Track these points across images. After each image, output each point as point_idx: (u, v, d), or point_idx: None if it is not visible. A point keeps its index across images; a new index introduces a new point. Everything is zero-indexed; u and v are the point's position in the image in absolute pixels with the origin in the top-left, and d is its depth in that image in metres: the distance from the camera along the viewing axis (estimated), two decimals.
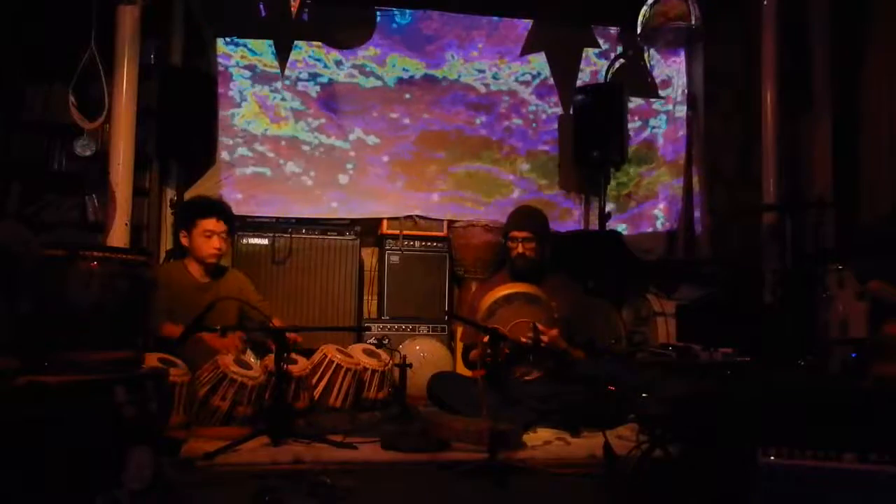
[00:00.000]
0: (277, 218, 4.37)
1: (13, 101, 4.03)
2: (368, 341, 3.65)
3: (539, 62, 5.00)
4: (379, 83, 4.78)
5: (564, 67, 5.01)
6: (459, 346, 3.56)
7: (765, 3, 4.11)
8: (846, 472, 1.46)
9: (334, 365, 3.07)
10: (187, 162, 4.36)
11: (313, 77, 4.71)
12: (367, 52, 4.79)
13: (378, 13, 4.82)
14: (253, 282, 3.56)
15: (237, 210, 4.11)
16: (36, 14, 3.92)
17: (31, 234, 2.27)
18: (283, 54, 4.67)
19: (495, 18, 4.96)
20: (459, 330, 3.62)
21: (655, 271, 4.46)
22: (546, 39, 5.00)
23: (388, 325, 4.18)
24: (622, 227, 4.89)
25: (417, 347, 3.91)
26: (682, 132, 4.91)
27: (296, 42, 4.69)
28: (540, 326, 2.98)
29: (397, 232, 4.40)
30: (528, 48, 4.98)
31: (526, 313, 3.03)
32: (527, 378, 3.13)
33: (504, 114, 4.93)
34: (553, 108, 4.99)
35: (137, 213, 3.85)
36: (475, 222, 4.43)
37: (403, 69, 4.82)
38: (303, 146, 4.65)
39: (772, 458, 1.50)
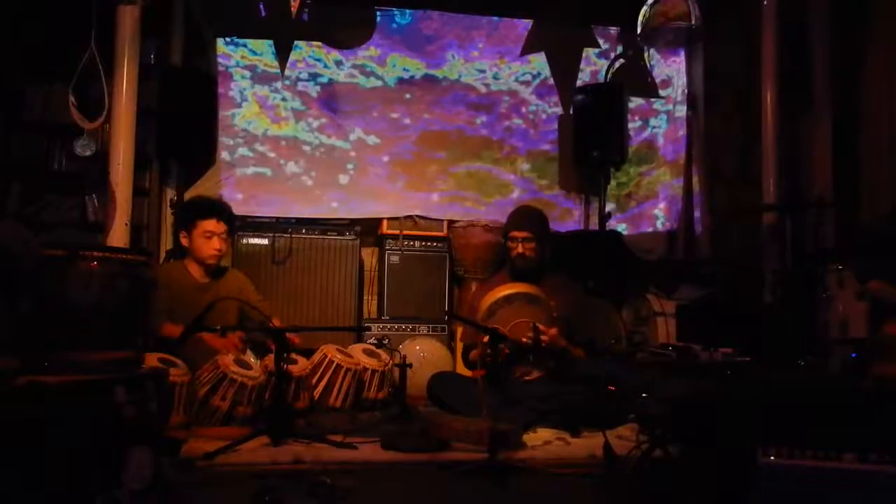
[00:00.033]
0: (277, 218, 4.37)
1: (13, 101, 4.03)
2: (368, 341, 3.65)
3: (539, 62, 5.00)
4: (379, 83, 4.78)
5: (564, 67, 5.01)
6: (459, 346, 3.56)
7: (765, 3, 4.11)
8: (846, 472, 1.46)
9: (334, 365, 3.07)
10: (187, 162, 4.36)
11: (313, 77, 4.71)
12: (367, 52, 4.79)
13: (378, 13, 4.82)
14: (253, 282, 3.56)
15: (238, 210, 4.10)
16: (36, 14, 3.92)
17: (31, 234, 2.27)
18: (283, 54, 4.67)
19: (495, 18, 4.96)
20: (459, 330, 3.62)
21: (655, 271, 4.46)
22: (546, 39, 5.00)
23: (388, 325, 4.18)
24: (622, 227, 4.89)
25: (417, 347, 3.91)
26: (683, 132, 4.91)
27: (296, 42, 4.69)
28: (540, 326, 2.98)
29: (397, 232, 4.41)
30: (528, 48, 4.98)
31: (526, 313, 3.03)
32: (527, 378, 3.13)
33: (504, 114, 4.93)
34: (553, 108, 4.99)
35: (137, 213, 3.85)
36: (475, 222, 4.43)
37: (404, 69, 4.82)
38: (303, 146, 4.65)
39: (772, 458, 1.50)
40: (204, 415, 2.66)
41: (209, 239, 3.27)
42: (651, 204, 4.97)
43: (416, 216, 4.55)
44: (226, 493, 2.02)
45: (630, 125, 4.83)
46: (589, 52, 5.05)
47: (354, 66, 4.76)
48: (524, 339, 2.98)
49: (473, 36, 4.93)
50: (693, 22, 3.56)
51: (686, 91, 4.94)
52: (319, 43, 4.73)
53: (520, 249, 3.24)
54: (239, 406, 2.68)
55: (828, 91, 3.99)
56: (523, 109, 4.96)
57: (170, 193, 4.32)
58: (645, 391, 2.26)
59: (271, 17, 4.64)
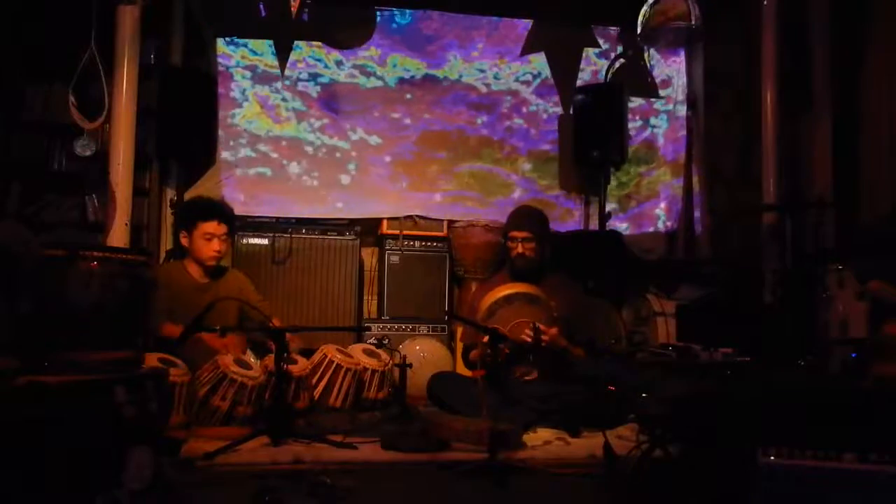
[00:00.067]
0: (277, 218, 4.37)
1: (13, 101, 4.02)
2: (368, 341, 3.65)
3: (540, 62, 4.99)
4: (380, 83, 4.78)
5: (564, 67, 5.01)
6: (459, 346, 3.56)
7: (765, 3, 4.11)
8: (846, 472, 1.46)
9: (334, 365, 3.07)
10: (187, 162, 4.36)
11: (314, 77, 4.71)
12: (367, 53, 4.78)
13: (378, 13, 4.82)
14: (253, 282, 3.56)
15: (240, 210, 4.12)
16: (36, 14, 3.92)
17: (31, 234, 2.27)
18: (283, 54, 4.67)
19: (495, 18, 4.96)
20: (459, 330, 3.62)
21: (655, 271, 4.46)
22: (546, 39, 4.99)
23: (388, 325, 4.18)
24: (624, 227, 4.90)
25: (417, 347, 3.91)
26: (683, 132, 4.91)
27: (296, 42, 4.69)
28: (540, 325, 2.98)
29: (397, 232, 4.40)
30: (528, 48, 4.98)
31: (526, 313, 3.03)
32: (527, 378, 3.13)
33: (505, 114, 4.92)
34: (554, 107, 4.99)
35: (137, 213, 3.85)
36: (475, 222, 4.42)
37: (404, 69, 4.82)
38: (305, 146, 4.65)
39: (772, 458, 1.50)
40: (204, 415, 2.66)
41: (209, 241, 3.26)
42: (652, 203, 4.97)
43: (416, 216, 4.55)
44: (226, 493, 2.02)
45: (630, 125, 4.83)
46: (589, 52, 5.05)
47: (355, 67, 4.76)
48: (524, 339, 2.98)
49: (473, 36, 4.92)
50: (693, 22, 3.56)
51: (686, 91, 4.94)
52: (319, 43, 4.73)
53: (520, 249, 3.24)
54: (239, 406, 2.68)
55: (828, 91, 3.99)
56: (524, 109, 4.96)
57: (170, 193, 4.32)
58: (645, 391, 2.26)
59: (271, 17, 4.64)
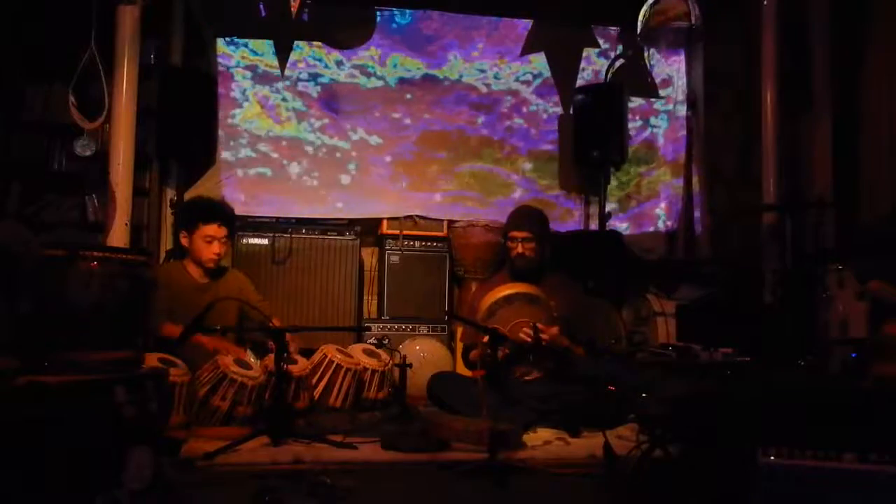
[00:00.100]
0: (277, 218, 4.37)
1: (13, 101, 4.02)
2: (368, 341, 3.65)
3: (540, 62, 4.99)
4: (380, 83, 4.78)
5: (564, 67, 5.01)
6: (459, 346, 3.56)
7: (765, 3, 4.11)
8: (846, 472, 1.46)
9: (334, 365, 3.07)
10: (187, 162, 4.36)
11: (314, 77, 4.71)
12: (367, 53, 4.78)
13: (378, 13, 4.82)
14: (253, 282, 3.56)
15: (240, 211, 4.12)
16: (36, 14, 3.92)
17: (31, 234, 2.27)
18: (283, 55, 4.67)
19: (495, 18, 4.95)
20: (459, 330, 3.62)
21: (655, 271, 4.46)
22: (546, 39, 4.99)
23: (388, 325, 4.18)
24: (625, 227, 4.90)
25: (417, 347, 3.91)
26: (683, 132, 4.91)
27: (296, 42, 4.69)
28: (540, 325, 2.98)
29: (397, 232, 4.40)
30: (528, 48, 4.98)
31: (526, 313, 3.03)
32: (527, 378, 3.13)
33: (505, 113, 4.92)
34: (554, 107, 4.99)
35: (137, 213, 3.85)
36: (475, 222, 4.42)
37: (405, 69, 4.82)
38: (306, 147, 4.65)
39: (772, 458, 1.50)
40: (204, 415, 2.66)
41: (209, 243, 3.26)
42: (653, 203, 4.97)
43: (416, 216, 4.55)
44: (226, 493, 2.02)
45: (630, 125, 4.84)
46: (589, 52, 5.05)
47: (355, 67, 4.76)
48: (524, 337, 2.98)
49: (473, 36, 4.92)
50: (693, 22, 3.56)
51: (686, 91, 4.94)
52: (320, 43, 4.73)
53: (520, 249, 3.24)
54: (239, 406, 2.68)
55: (828, 91, 3.99)
56: (524, 109, 4.96)
57: (170, 193, 4.32)
58: (645, 391, 2.26)
59: (271, 17, 4.64)
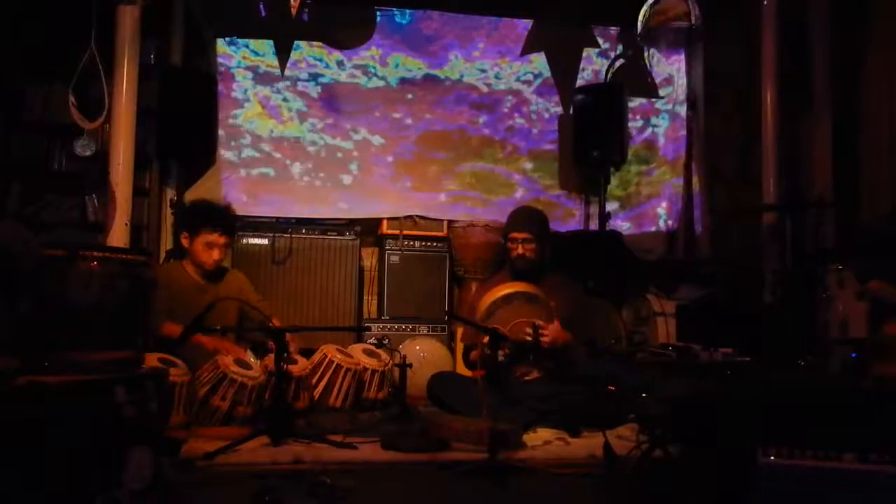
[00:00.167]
0: (277, 218, 4.37)
1: (13, 101, 4.02)
2: (368, 341, 3.65)
3: (541, 61, 4.99)
4: (381, 83, 4.78)
5: (564, 67, 5.00)
6: (459, 346, 3.57)
7: (765, 3, 4.11)
8: (846, 472, 1.46)
9: (334, 365, 3.07)
10: (187, 162, 4.36)
11: (315, 77, 4.70)
12: (368, 53, 4.78)
13: (378, 13, 4.81)
14: (253, 282, 3.56)
15: (243, 211, 4.12)
16: (36, 14, 3.92)
17: (31, 234, 2.27)
18: (283, 55, 4.66)
19: (495, 18, 4.95)
20: (459, 330, 3.62)
21: (655, 271, 4.46)
22: (546, 39, 4.99)
23: (388, 325, 4.18)
24: (627, 226, 4.90)
25: (417, 347, 3.91)
26: (683, 131, 4.90)
27: (296, 42, 4.69)
28: (540, 322, 2.98)
29: (397, 232, 4.40)
30: (528, 48, 4.97)
31: (525, 312, 3.03)
32: (527, 378, 3.13)
33: (507, 113, 4.92)
34: (555, 107, 4.98)
35: (137, 213, 3.85)
36: (475, 222, 4.42)
37: (406, 69, 4.82)
38: (308, 147, 4.65)
39: (772, 458, 1.50)
40: (204, 415, 2.66)
41: (209, 249, 3.26)
42: (654, 202, 4.96)
43: (416, 216, 4.54)
44: (226, 493, 2.02)
45: (631, 124, 4.84)
46: (589, 52, 5.05)
47: (356, 67, 4.76)
48: (524, 338, 2.98)
49: (473, 36, 4.92)
50: (693, 22, 3.57)
51: (686, 91, 4.94)
52: (320, 43, 4.73)
53: (520, 250, 3.24)
54: (239, 406, 2.68)
55: (828, 91, 3.99)
56: (525, 109, 4.96)
57: (170, 193, 4.32)
58: (645, 391, 2.26)
59: (271, 17, 4.64)
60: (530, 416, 2.88)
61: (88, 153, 3.63)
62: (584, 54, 5.04)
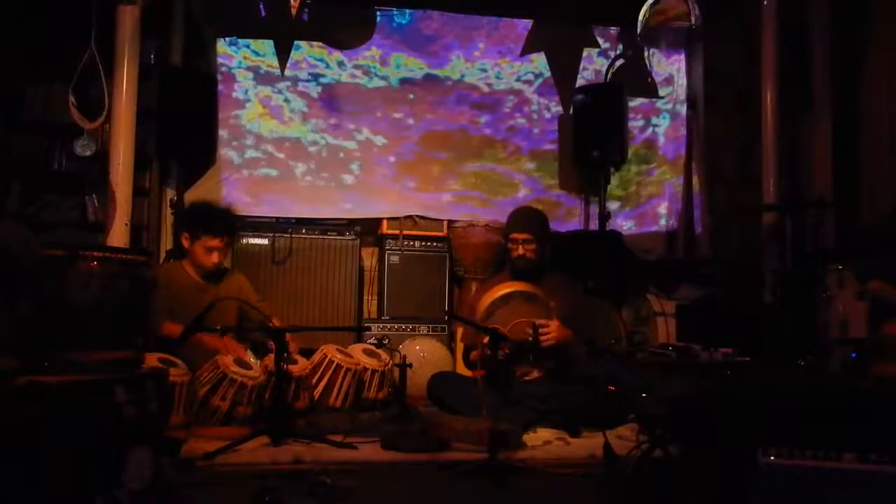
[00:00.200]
0: (277, 218, 4.37)
1: (13, 101, 4.03)
2: (368, 341, 3.65)
3: (541, 61, 4.99)
4: (382, 83, 4.78)
5: (565, 67, 5.00)
6: (459, 346, 3.56)
7: (765, 3, 4.11)
8: (846, 472, 1.46)
9: (334, 365, 3.07)
10: (187, 162, 4.36)
11: (315, 77, 4.70)
12: (368, 53, 4.78)
13: (378, 13, 4.81)
14: (253, 282, 3.56)
15: (245, 211, 4.12)
16: (36, 14, 3.92)
17: (31, 234, 2.27)
18: (283, 55, 4.66)
19: (495, 18, 4.95)
20: (460, 330, 3.62)
21: (655, 271, 4.46)
22: (546, 39, 4.99)
23: (388, 325, 4.18)
24: (628, 226, 4.90)
25: (417, 347, 3.91)
26: (684, 131, 4.90)
27: (297, 42, 4.69)
28: (541, 321, 2.98)
29: (397, 232, 4.40)
30: (528, 48, 4.98)
31: (524, 312, 3.02)
32: (527, 378, 3.13)
33: (508, 113, 4.92)
34: (556, 106, 4.98)
35: (137, 213, 3.85)
36: (475, 222, 4.42)
37: (407, 69, 4.82)
38: (309, 147, 4.65)
39: (772, 458, 1.50)
40: (204, 415, 2.66)
41: (209, 253, 3.26)
42: (655, 202, 4.96)
43: (416, 216, 4.54)
44: (226, 493, 2.02)
45: (631, 124, 4.84)
46: (590, 52, 5.05)
47: (356, 67, 4.76)
48: (524, 338, 2.97)
49: (473, 36, 4.92)
50: (693, 22, 3.56)
51: (686, 91, 4.94)
52: (320, 43, 4.73)
53: (520, 251, 3.24)
54: (239, 406, 2.68)
55: (828, 91, 3.99)
56: (526, 108, 4.96)
57: (170, 193, 4.32)
58: (645, 391, 2.26)
59: (271, 17, 4.64)
60: (530, 416, 2.87)
61: (88, 153, 3.63)
62: (585, 54, 5.04)
